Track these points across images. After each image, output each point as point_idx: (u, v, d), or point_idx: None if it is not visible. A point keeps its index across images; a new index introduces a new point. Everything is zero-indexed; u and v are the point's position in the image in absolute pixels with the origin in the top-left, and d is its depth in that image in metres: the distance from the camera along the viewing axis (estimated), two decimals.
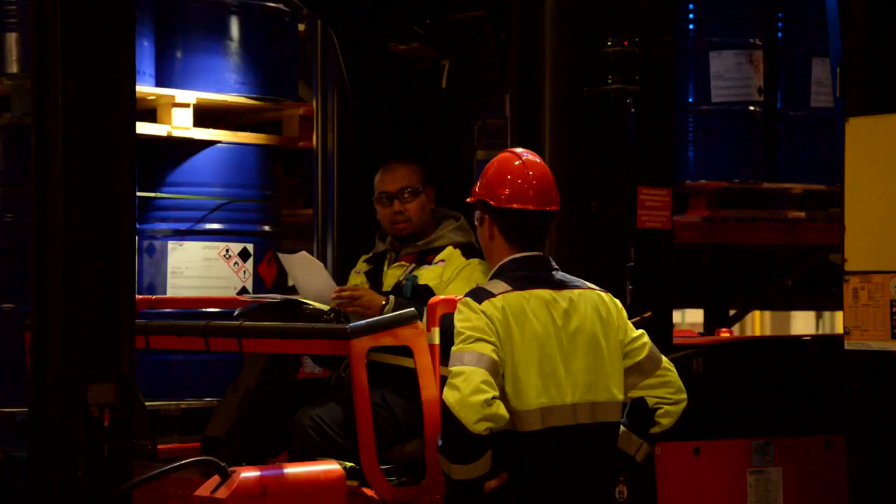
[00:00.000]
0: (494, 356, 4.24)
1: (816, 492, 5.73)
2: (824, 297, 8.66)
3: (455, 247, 5.47)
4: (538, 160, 4.56)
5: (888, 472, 5.29)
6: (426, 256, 5.51)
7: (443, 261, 5.43)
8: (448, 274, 5.37)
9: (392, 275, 5.54)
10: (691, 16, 6.94)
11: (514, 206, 4.47)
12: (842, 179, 5.24)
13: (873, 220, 5.11)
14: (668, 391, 4.50)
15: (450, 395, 4.18)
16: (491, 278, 4.48)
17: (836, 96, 5.51)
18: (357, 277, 5.61)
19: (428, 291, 5.33)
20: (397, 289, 5.43)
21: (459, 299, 4.47)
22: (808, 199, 6.93)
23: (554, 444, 4.30)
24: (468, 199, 4.64)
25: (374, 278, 5.57)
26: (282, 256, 5.46)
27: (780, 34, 7.05)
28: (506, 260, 4.48)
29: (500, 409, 4.18)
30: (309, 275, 5.34)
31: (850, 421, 5.43)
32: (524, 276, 4.42)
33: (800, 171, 7.01)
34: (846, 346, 5.21)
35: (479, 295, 4.37)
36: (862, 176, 5.15)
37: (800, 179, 6.97)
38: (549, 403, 4.29)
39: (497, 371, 4.24)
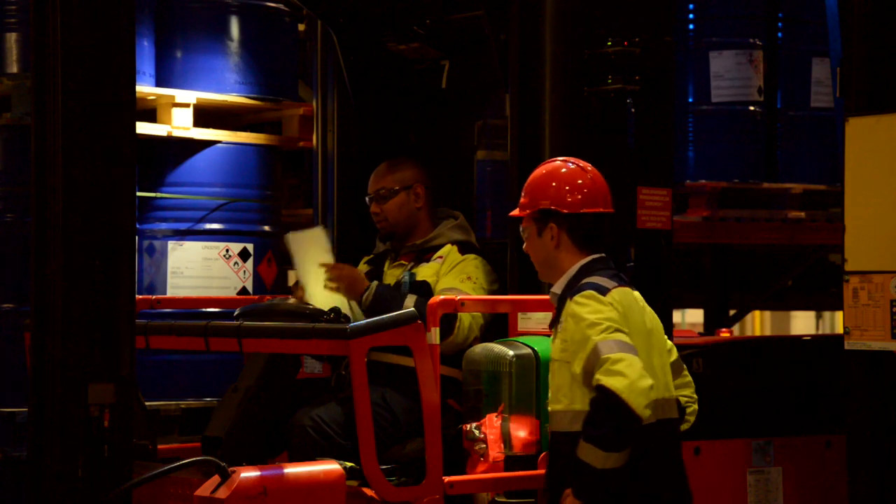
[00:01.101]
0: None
1: (816, 492, 5.73)
2: (824, 297, 8.65)
3: (453, 244, 5.51)
4: (588, 165, 4.66)
5: (888, 472, 5.29)
6: (425, 255, 5.55)
7: (441, 258, 5.47)
8: (444, 269, 5.41)
9: (392, 274, 5.57)
10: (691, 16, 6.94)
11: (588, 210, 4.55)
12: (842, 179, 5.24)
13: (873, 220, 5.11)
14: (690, 391, 4.64)
15: (616, 381, 4.21)
16: (583, 276, 4.51)
17: (836, 96, 5.51)
18: None
19: (425, 287, 5.36)
20: (396, 287, 5.45)
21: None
22: (808, 199, 6.93)
23: (659, 436, 4.40)
24: (518, 214, 4.66)
25: (375, 278, 5.60)
26: (293, 236, 5.53)
27: (780, 34, 7.05)
28: (586, 261, 4.55)
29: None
30: (311, 253, 5.40)
31: (850, 421, 5.42)
32: (614, 274, 4.52)
33: (800, 171, 7.02)
34: (846, 346, 5.21)
35: (599, 288, 4.42)
36: (862, 176, 5.15)
37: (800, 179, 6.97)
38: (657, 396, 4.36)
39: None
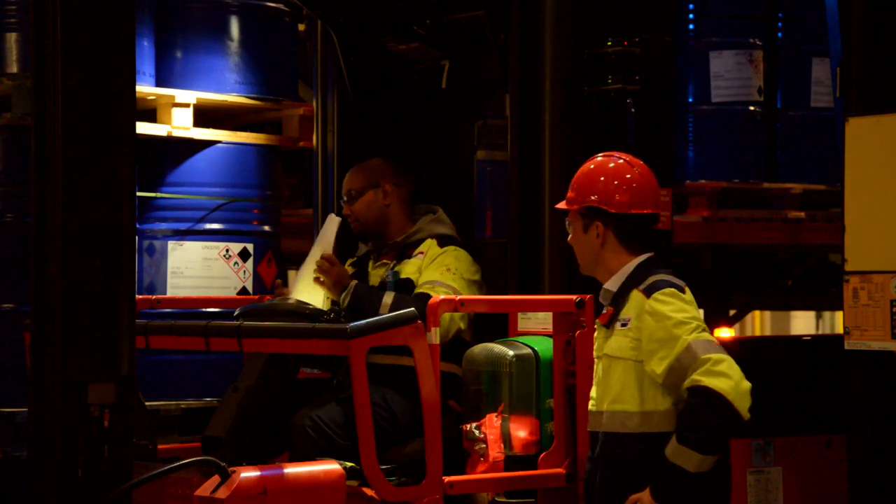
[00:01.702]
0: None
1: (816, 492, 5.73)
2: (824, 297, 8.64)
3: (433, 238, 5.53)
4: (639, 161, 4.59)
5: (888, 472, 5.29)
6: (406, 251, 5.57)
7: (422, 253, 5.50)
8: (426, 264, 5.43)
9: (376, 274, 5.60)
10: (691, 16, 6.93)
11: (636, 211, 4.48)
12: (842, 179, 5.24)
13: (873, 220, 5.11)
14: None
15: (722, 383, 4.15)
16: (643, 274, 4.42)
17: (836, 96, 5.50)
18: None
19: (409, 284, 5.40)
20: (381, 286, 5.47)
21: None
22: (808, 199, 6.93)
23: None
24: (564, 207, 4.58)
25: (359, 279, 5.62)
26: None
27: (780, 34, 7.05)
28: (641, 259, 4.48)
29: None
30: (323, 241, 5.53)
31: (850, 421, 5.42)
32: (675, 274, 4.45)
33: (800, 171, 7.01)
34: (846, 346, 5.20)
35: (677, 286, 4.36)
36: (862, 176, 5.15)
37: (800, 179, 6.96)
38: None
39: None
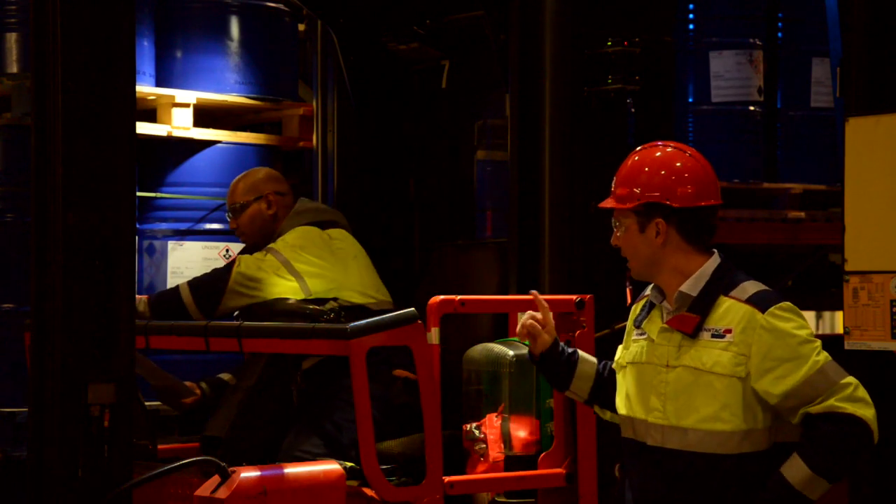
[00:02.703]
0: None
1: None
2: (824, 297, 8.65)
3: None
4: (691, 149, 4.18)
5: (888, 472, 5.29)
6: None
7: None
8: None
9: None
10: (691, 16, 6.94)
11: (702, 203, 4.03)
12: (842, 179, 5.24)
13: (873, 220, 5.11)
14: None
15: (867, 412, 3.90)
16: (727, 279, 4.00)
17: (836, 96, 5.51)
18: None
19: None
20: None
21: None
22: (808, 199, 6.93)
23: None
24: (617, 206, 4.07)
25: None
26: None
27: (780, 34, 7.05)
28: (720, 261, 4.05)
29: None
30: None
31: None
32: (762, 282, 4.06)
33: (800, 171, 7.01)
34: (846, 346, 5.20)
35: (785, 298, 3.98)
36: (862, 176, 5.15)
37: (800, 179, 6.96)
38: None
39: None
